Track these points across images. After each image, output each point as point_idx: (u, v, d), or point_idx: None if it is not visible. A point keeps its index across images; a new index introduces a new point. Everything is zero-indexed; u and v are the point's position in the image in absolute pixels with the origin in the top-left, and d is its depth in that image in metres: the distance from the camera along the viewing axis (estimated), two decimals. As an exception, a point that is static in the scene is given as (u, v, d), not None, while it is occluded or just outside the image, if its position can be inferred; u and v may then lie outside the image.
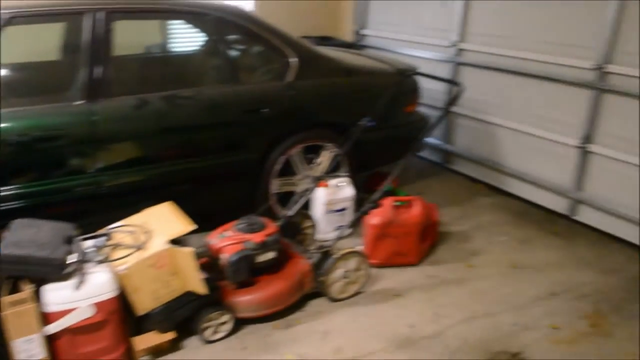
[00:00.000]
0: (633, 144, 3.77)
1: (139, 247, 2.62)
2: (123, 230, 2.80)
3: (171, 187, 3.38)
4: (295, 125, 3.73)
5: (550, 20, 4.18)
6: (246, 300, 2.88)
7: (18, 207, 2.92)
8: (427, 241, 3.70)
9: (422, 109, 4.59)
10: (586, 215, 4.22)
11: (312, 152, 3.86)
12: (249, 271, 2.89)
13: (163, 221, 2.84)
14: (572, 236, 4.09)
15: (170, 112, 3.31)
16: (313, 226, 3.62)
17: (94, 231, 2.77)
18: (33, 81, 3.59)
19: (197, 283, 2.68)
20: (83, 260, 2.49)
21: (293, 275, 3.03)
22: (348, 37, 6.47)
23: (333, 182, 3.76)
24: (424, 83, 4.29)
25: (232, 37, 3.74)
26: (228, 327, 2.84)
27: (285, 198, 3.77)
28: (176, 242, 2.71)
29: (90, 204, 3.17)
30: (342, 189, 3.77)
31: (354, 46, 5.99)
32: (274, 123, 3.61)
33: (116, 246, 2.67)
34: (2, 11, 2.93)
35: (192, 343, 2.78)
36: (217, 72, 3.75)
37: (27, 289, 2.34)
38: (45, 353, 2.40)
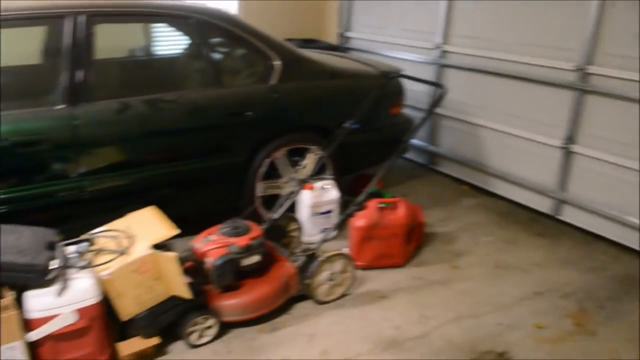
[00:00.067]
0: (615, 144, 3.81)
1: (122, 252, 2.60)
2: (106, 235, 2.77)
3: (155, 191, 3.36)
4: (279, 128, 3.72)
5: (533, 22, 4.21)
6: (231, 304, 2.87)
7: (-1, 213, 2.89)
8: (413, 243, 3.70)
9: (406, 111, 4.60)
10: (570, 215, 4.25)
11: (297, 155, 3.86)
12: (234, 275, 2.88)
13: (146, 226, 2.81)
14: (556, 236, 4.12)
15: (153, 116, 3.29)
16: (299, 229, 3.61)
17: (76, 236, 2.73)
18: (14, 85, 3.54)
19: (181, 287, 2.66)
20: (65, 266, 2.47)
21: (278, 278, 3.02)
22: (332, 39, 6.48)
23: (318, 184, 3.75)
24: (408, 85, 4.31)
25: (215, 40, 3.72)
26: (213, 331, 2.82)
27: (271, 201, 3.76)
28: (160, 246, 2.69)
29: (72, 209, 3.14)
30: (328, 191, 3.77)
31: (338, 49, 6.00)
32: (258, 126, 3.60)
33: (99, 251, 2.64)
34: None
35: (177, 348, 2.76)
36: (200, 75, 3.73)
37: (8, 296, 2.31)
38: (28, 360, 2.37)
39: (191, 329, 2.74)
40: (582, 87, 3.92)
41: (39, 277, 2.37)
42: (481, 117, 4.77)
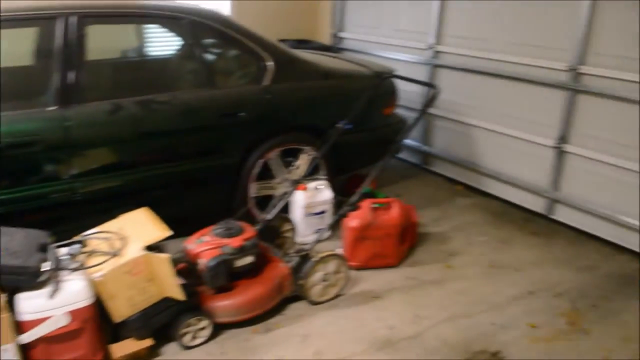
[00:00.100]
0: (607, 143, 3.83)
1: (114, 254, 2.59)
2: (98, 237, 2.76)
3: (148, 193, 3.36)
4: (272, 128, 3.71)
5: (525, 22, 4.23)
6: (225, 305, 2.86)
7: (-9, 215, 2.87)
8: (407, 243, 3.71)
9: (400, 111, 4.60)
10: (563, 215, 4.27)
11: (290, 156, 3.85)
12: (227, 276, 2.87)
13: (139, 227, 2.80)
14: (550, 235, 4.13)
15: (145, 117, 3.29)
16: (292, 229, 3.61)
17: (68, 238, 2.72)
18: (5, 86, 3.52)
19: (174, 289, 2.65)
20: (57, 268, 2.46)
21: (272, 279, 3.02)
22: (326, 40, 6.47)
23: (312, 185, 3.75)
24: (401, 85, 4.31)
25: (208, 40, 3.72)
26: (207, 332, 2.81)
27: (264, 202, 3.76)
28: (153, 248, 2.68)
29: (65, 211, 3.13)
30: (321, 191, 3.77)
31: (331, 49, 6.00)
32: (251, 127, 3.59)
33: (91, 253, 2.63)
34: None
35: (170, 349, 2.75)
36: (193, 76, 3.72)
37: (0, 298, 2.29)
38: (20, 363, 2.36)
39: (184, 330, 2.74)
40: (574, 87, 3.94)
41: (31, 280, 2.36)
42: (474, 117, 4.78)
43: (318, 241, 3.22)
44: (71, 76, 3.05)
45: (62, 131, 3.00)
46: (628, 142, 3.70)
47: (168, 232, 2.73)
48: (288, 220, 3.61)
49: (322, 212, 3.78)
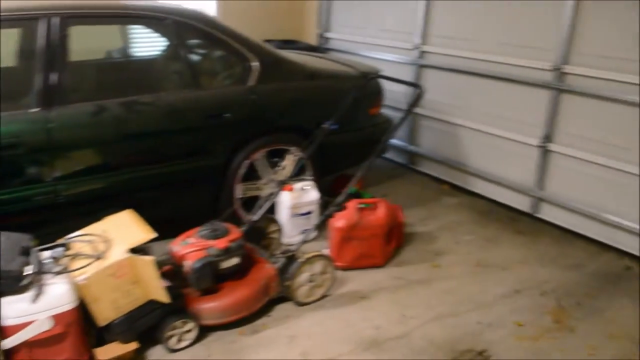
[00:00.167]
0: (591, 142, 3.85)
1: (98, 257, 2.56)
2: (82, 239, 2.73)
3: (132, 195, 3.33)
4: (258, 129, 3.70)
5: (510, 22, 4.25)
6: (211, 307, 2.84)
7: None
8: (393, 243, 3.71)
9: (385, 111, 4.61)
10: (548, 213, 4.29)
11: (276, 156, 3.84)
12: (213, 278, 2.86)
13: (123, 229, 2.78)
14: (535, 234, 4.15)
15: (129, 119, 3.26)
16: (278, 230, 3.60)
17: (52, 241, 2.69)
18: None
19: (159, 291, 2.63)
20: (40, 272, 2.43)
21: (258, 280, 3.01)
22: (312, 40, 6.47)
23: (298, 185, 3.74)
24: (387, 85, 4.32)
25: (192, 41, 3.70)
26: (193, 335, 2.79)
27: (250, 203, 3.75)
28: (138, 250, 2.66)
29: (48, 214, 3.10)
30: (307, 192, 3.76)
31: (317, 49, 6.00)
32: (236, 128, 3.58)
33: (75, 256, 2.60)
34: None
35: (156, 352, 2.73)
36: (177, 77, 3.70)
37: (-19, 303, 2.27)
38: (3, 368, 2.34)
39: (170, 333, 2.72)
40: (558, 86, 3.96)
41: (13, 284, 2.33)
42: (460, 116, 4.80)
43: (304, 242, 3.21)
44: (54, 77, 3.02)
45: (44, 133, 2.97)
46: (612, 140, 3.73)
47: (153, 234, 2.71)
48: (274, 221, 3.59)
49: (309, 213, 3.78)
